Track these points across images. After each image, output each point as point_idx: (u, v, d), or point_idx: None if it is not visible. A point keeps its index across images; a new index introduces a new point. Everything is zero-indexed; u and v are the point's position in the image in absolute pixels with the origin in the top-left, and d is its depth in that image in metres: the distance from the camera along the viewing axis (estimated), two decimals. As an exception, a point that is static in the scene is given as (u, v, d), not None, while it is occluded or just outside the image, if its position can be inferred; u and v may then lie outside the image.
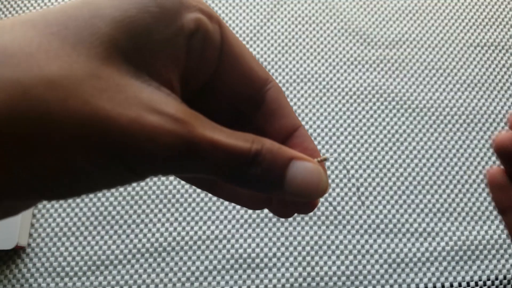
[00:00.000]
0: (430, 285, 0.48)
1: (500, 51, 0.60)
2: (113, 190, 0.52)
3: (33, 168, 0.12)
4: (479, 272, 0.48)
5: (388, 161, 0.54)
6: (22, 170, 0.11)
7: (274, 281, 0.48)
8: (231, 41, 0.15)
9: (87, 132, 0.12)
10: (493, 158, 0.54)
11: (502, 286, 0.47)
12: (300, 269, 0.49)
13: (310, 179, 0.16)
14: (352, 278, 0.48)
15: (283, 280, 0.48)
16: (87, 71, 0.12)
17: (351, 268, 0.49)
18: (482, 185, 0.52)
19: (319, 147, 0.54)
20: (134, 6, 0.13)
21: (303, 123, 0.56)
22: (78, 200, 0.52)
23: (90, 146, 0.12)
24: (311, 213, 0.51)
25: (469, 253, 0.49)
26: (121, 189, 0.52)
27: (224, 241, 0.50)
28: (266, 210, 0.51)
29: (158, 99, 0.13)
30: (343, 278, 0.48)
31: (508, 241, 0.49)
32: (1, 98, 0.11)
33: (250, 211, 0.51)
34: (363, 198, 0.51)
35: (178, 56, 0.14)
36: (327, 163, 0.52)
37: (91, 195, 0.52)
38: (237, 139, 0.14)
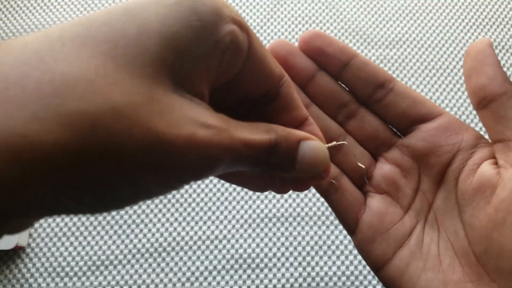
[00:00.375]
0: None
1: (500, 51, 0.60)
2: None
3: (101, 194, 0.12)
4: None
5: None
6: (89, 199, 0.12)
7: (274, 281, 0.48)
8: (255, 45, 0.16)
9: (151, 158, 0.12)
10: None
11: None
12: (300, 269, 0.49)
13: (316, 157, 0.17)
14: (352, 278, 0.48)
15: (283, 280, 0.48)
16: (143, 95, 0.12)
17: (351, 268, 0.49)
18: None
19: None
20: (178, 21, 0.13)
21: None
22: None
23: (154, 170, 0.12)
24: (311, 213, 0.51)
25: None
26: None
27: (224, 241, 0.50)
28: (266, 211, 0.51)
29: (199, 113, 0.14)
30: (343, 278, 0.48)
31: None
32: (71, 133, 0.11)
33: (250, 211, 0.51)
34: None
35: (211, 67, 0.14)
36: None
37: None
38: (259, 132, 0.15)
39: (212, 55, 0.14)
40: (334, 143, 0.20)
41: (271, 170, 0.16)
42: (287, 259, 0.49)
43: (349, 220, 0.22)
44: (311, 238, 0.50)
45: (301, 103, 0.18)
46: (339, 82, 0.23)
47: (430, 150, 0.21)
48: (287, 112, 0.18)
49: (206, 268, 0.49)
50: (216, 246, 0.50)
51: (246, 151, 0.15)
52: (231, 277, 0.48)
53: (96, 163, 0.11)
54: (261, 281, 0.48)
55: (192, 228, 0.51)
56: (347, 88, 0.23)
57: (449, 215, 0.21)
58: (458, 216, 0.20)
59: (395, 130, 0.23)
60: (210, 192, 0.52)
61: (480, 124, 0.56)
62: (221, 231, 0.50)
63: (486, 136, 0.23)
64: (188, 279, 0.48)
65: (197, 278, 0.48)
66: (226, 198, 0.52)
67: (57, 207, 0.12)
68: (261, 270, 0.49)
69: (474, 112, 0.57)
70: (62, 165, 0.11)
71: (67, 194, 0.11)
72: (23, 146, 0.11)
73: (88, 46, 0.12)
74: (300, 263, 0.49)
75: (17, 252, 0.49)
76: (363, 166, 0.22)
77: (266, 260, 0.49)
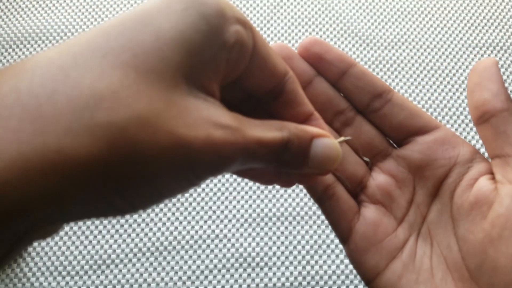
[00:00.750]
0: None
1: (498, 51, 0.61)
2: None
3: (130, 197, 0.13)
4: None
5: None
6: (120, 202, 0.13)
7: (274, 280, 0.48)
8: (259, 43, 0.16)
9: (175, 160, 0.13)
10: (491, 158, 0.54)
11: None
12: (299, 268, 0.49)
13: (328, 154, 0.18)
14: (351, 277, 0.48)
15: (282, 279, 0.48)
16: (163, 101, 0.13)
17: (350, 267, 0.49)
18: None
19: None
20: (190, 27, 0.14)
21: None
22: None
23: (177, 171, 0.13)
24: (311, 212, 0.51)
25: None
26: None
27: (225, 240, 0.50)
28: (265, 210, 0.51)
29: (214, 113, 0.14)
30: (342, 277, 0.48)
31: None
32: (102, 144, 0.12)
33: (250, 211, 0.52)
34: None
35: (220, 67, 0.15)
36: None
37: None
38: (271, 130, 0.16)
39: (220, 55, 0.15)
40: (342, 138, 0.20)
41: (283, 166, 0.17)
42: (286, 258, 0.49)
43: (342, 229, 0.22)
44: (311, 237, 0.50)
45: (306, 99, 0.19)
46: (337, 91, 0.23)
47: (426, 162, 0.22)
48: (293, 108, 0.18)
49: (206, 267, 0.49)
50: (216, 245, 0.50)
51: (259, 149, 0.15)
52: (231, 275, 0.49)
53: (125, 169, 0.12)
54: (261, 279, 0.48)
55: (192, 227, 0.51)
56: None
57: (443, 229, 0.21)
58: (452, 230, 0.21)
59: (390, 140, 0.23)
60: (211, 192, 0.53)
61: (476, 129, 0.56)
62: (221, 230, 0.51)
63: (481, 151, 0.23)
64: (188, 277, 0.49)
65: (197, 277, 0.49)
66: (226, 198, 0.52)
67: (89, 213, 0.13)
68: (261, 269, 0.49)
69: (472, 112, 0.57)
70: (96, 175, 0.12)
71: (99, 200, 0.12)
72: (58, 160, 0.11)
73: (109, 57, 0.13)
74: (299, 262, 0.49)
75: (19, 251, 0.49)
76: (368, 160, 0.22)
77: (266, 259, 0.49)
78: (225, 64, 0.15)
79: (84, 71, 0.12)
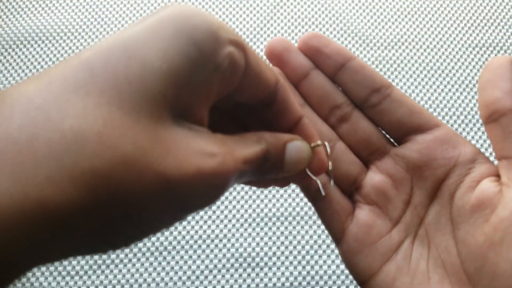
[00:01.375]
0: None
1: (498, 51, 0.61)
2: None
3: (112, 239, 0.13)
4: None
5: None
6: (101, 244, 0.12)
7: (274, 280, 0.48)
8: (251, 60, 0.16)
9: (162, 201, 0.13)
10: (492, 158, 0.54)
11: None
12: (299, 268, 0.49)
13: (301, 156, 0.18)
14: (351, 277, 0.48)
15: (282, 279, 0.48)
16: (149, 139, 0.12)
17: (350, 267, 0.49)
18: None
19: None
20: (178, 54, 0.13)
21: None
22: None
23: (164, 211, 0.13)
24: (311, 212, 0.51)
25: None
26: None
27: (225, 240, 0.50)
28: (265, 210, 0.51)
29: (202, 142, 0.14)
30: (342, 277, 0.48)
31: None
32: (85, 192, 0.11)
33: (250, 211, 0.52)
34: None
35: (212, 91, 0.15)
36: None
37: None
38: (252, 145, 0.16)
39: (211, 80, 0.14)
40: (319, 142, 0.19)
41: (263, 175, 0.17)
42: (286, 258, 0.49)
43: (334, 229, 0.22)
44: (311, 237, 0.50)
45: (296, 104, 0.19)
46: (335, 85, 0.23)
47: (425, 162, 0.21)
48: (284, 115, 0.18)
49: (206, 267, 0.49)
50: (216, 245, 0.50)
51: (246, 167, 0.15)
52: (231, 275, 0.49)
53: (109, 216, 0.12)
54: (261, 279, 0.48)
55: (192, 227, 0.51)
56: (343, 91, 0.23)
57: (441, 231, 0.20)
58: (451, 232, 0.20)
59: (389, 138, 0.23)
60: (211, 192, 0.53)
61: (476, 128, 0.56)
62: (221, 230, 0.51)
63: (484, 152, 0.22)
64: (189, 277, 0.49)
65: (197, 277, 0.49)
66: (226, 198, 0.52)
67: (70, 254, 0.12)
68: (261, 269, 0.49)
69: (472, 113, 0.57)
70: (78, 224, 0.11)
71: (81, 244, 0.12)
72: (38, 211, 0.11)
73: (93, 95, 0.12)
74: (299, 262, 0.49)
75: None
76: (326, 143, 0.21)
77: (266, 259, 0.49)
78: (217, 87, 0.15)
79: (66, 112, 0.12)
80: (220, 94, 0.15)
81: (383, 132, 0.22)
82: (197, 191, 0.13)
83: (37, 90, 0.12)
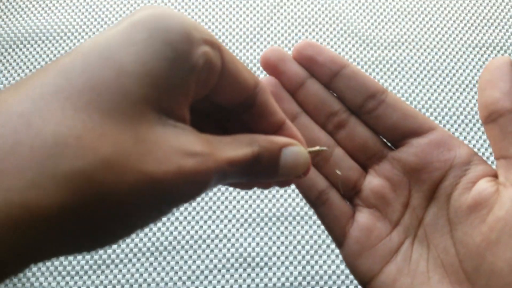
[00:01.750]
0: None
1: (498, 51, 0.61)
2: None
3: (97, 238, 0.13)
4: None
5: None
6: (87, 243, 0.13)
7: (274, 279, 0.48)
8: (227, 59, 0.16)
9: (145, 198, 0.13)
10: (492, 158, 0.54)
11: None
12: (299, 268, 0.49)
13: (298, 162, 0.18)
14: (351, 277, 0.48)
15: (282, 279, 0.48)
16: (130, 140, 0.13)
17: (350, 267, 0.49)
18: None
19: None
20: (153, 57, 0.14)
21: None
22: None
23: (149, 207, 0.13)
24: (311, 212, 0.51)
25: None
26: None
27: (225, 240, 0.50)
28: (265, 210, 0.51)
29: (184, 140, 0.14)
30: (342, 277, 0.48)
31: None
32: (68, 193, 0.11)
33: (250, 211, 0.52)
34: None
35: (189, 90, 0.15)
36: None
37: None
38: (242, 147, 0.16)
39: (188, 79, 0.14)
40: (317, 148, 0.20)
41: (255, 178, 0.17)
42: (286, 258, 0.50)
43: (336, 234, 0.22)
44: (311, 237, 0.50)
45: (278, 108, 0.19)
46: (331, 92, 0.23)
47: (422, 166, 0.21)
48: (265, 118, 0.18)
49: (206, 267, 0.49)
50: (216, 245, 0.50)
51: (231, 169, 0.15)
52: (231, 276, 0.49)
53: (94, 215, 0.12)
54: (261, 279, 0.48)
55: (193, 227, 0.51)
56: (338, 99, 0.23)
57: (440, 232, 0.21)
58: (449, 233, 0.20)
59: (386, 142, 0.23)
60: (211, 192, 0.53)
61: (476, 128, 0.56)
62: (221, 230, 0.51)
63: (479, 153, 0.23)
64: (189, 277, 0.49)
65: (197, 277, 0.49)
66: (226, 198, 0.52)
67: (58, 254, 0.13)
68: (261, 269, 0.49)
69: (472, 113, 0.57)
70: (63, 225, 0.12)
71: (68, 243, 0.12)
72: (23, 215, 0.11)
73: (72, 99, 0.13)
74: (299, 262, 0.49)
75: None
76: (339, 173, 0.22)
77: (266, 259, 0.49)
78: (194, 87, 0.15)
79: (46, 117, 0.12)
80: (198, 93, 0.16)
81: (380, 136, 0.23)
82: (180, 188, 0.13)
83: (17, 98, 0.12)
